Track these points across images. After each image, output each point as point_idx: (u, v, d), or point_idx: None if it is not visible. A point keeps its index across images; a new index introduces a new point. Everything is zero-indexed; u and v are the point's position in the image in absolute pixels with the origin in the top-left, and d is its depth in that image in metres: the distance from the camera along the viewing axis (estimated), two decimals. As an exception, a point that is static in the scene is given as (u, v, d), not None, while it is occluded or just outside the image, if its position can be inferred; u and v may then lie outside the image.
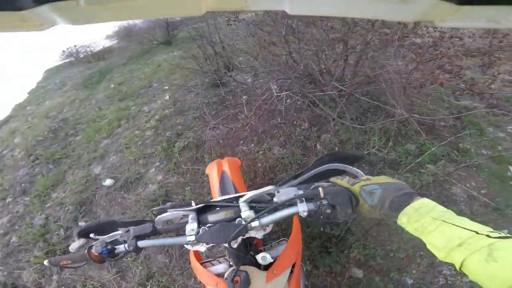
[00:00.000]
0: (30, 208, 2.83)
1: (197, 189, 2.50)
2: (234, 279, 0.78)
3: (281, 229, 1.99)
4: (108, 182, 2.79)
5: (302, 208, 0.69)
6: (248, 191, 0.91)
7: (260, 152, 2.68)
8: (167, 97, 4.05)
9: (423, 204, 0.55)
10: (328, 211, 0.67)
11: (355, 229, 1.89)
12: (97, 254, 0.76)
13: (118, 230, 0.83)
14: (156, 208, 0.89)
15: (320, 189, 0.68)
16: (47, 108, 5.22)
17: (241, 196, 0.79)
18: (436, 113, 2.58)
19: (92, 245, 0.78)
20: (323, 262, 1.77)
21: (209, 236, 0.73)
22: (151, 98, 4.25)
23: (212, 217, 0.79)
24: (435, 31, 2.11)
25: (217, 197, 1.21)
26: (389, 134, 2.42)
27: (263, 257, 0.84)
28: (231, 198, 0.82)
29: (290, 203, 0.72)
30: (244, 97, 3.53)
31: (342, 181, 0.70)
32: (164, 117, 3.52)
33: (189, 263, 1.97)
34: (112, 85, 5.46)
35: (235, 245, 0.78)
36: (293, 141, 2.67)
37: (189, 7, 0.24)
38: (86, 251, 0.77)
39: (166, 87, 4.52)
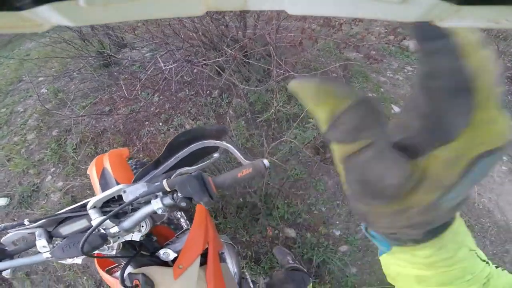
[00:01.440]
0: None
1: (108, 185, 2.18)
2: (134, 283, 0.69)
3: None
4: (1, 201, 2.22)
5: (157, 206, 0.60)
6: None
7: (171, 129, 2.46)
8: (44, 90, 3.28)
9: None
10: (183, 204, 0.58)
11: (271, 190, 1.87)
12: None
13: None
14: None
15: (164, 181, 0.59)
16: None
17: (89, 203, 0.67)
18: (327, 65, 2.74)
19: None
20: (256, 229, 1.74)
21: (61, 251, 0.63)
22: (24, 94, 3.39)
23: (64, 230, 0.68)
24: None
25: None
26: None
27: (165, 253, 0.77)
28: (79, 206, 0.69)
29: (146, 200, 0.63)
30: (141, 74, 3.11)
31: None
32: (45, 114, 2.86)
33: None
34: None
35: (112, 252, 0.66)
36: (205, 111, 2.50)
37: (189, 7, 0.21)
38: None
39: (41, 78, 3.66)
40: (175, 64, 2.06)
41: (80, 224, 0.68)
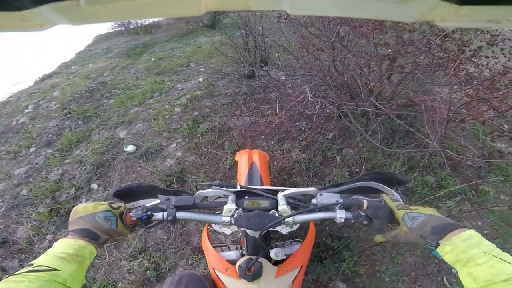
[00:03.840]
0: (50, 161, 2.76)
1: (212, 173, 2.39)
2: (250, 267, 0.77)
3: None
4: (130, 148, 2.72)
5: (340, 215, 0.68)
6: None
7: (279, 151, 2.54)
8: (201, 79, 3.93)
9: (471, 236, 0.53)
10: (365, 222, 0.66)
11: (352, 246, 1.80)
12: (135, 218, 0.68)
13: (156, 197, 0.79)
14: (202, 183, 0.82)
15: (365, 201, 0.67)
16: (89, 70, 5.27)
17: (281, 190, 0.78)
18: (467, 151, 2.33)
19: (132, 209, 0.71)
20: (314, 270, 1.68)
21: (244, 221, 0.70)
22: (186, 77, 4.16)
23: (248, 203, 0.76)
24: (496, 64, 1.83)
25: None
26: (413, 163, 2.22)
27: (276, 253, 0.83)
28: (270, 189, 0.80)
29: (328, 207, 0.71)
30: (273, 93, 3.36)
31: (392, 203, 0.69)
32: (195, 98, 3.41)
33: (186, 243, 1.91)
34: (152, 59, 5.43)
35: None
36: (314, 148, 2.49)
37: (188, 7, 0.22)
38: (124, 213, 0.70)
39: (202, 69, 4.41)
40: (323, 100, 2.10)
41: (263, 204, 0.75)
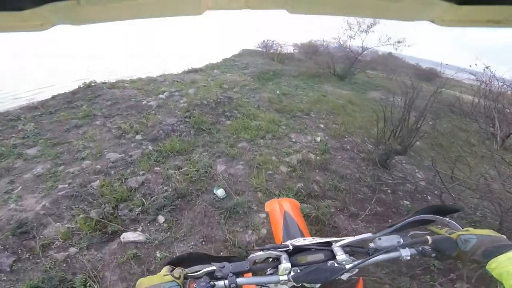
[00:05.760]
0: (142, 161, 2.51)
1: None
2: None
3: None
4: (220, 192, 2.22)
5: (405, 253, 0.62)
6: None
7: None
8: (318, 139, 3.24)
9: None
10: (433, 255, 0.60)
11: None
12: None
13: (210, 264, 0.66)
14: (256, 248, 0.74)
15: (428, 237, 0.61)
16: (225, 79, 5.37)
17: (334, 242, 0.68)
18: None
19: (193, 280, 0.62)
20: None
21: (304, 277, 0.63)
22: (303, 128, 3.55)
23: (301, 259, 0.67)
24: None
25: (281, 236, 1.09)
26: None
27: None
28: (323, 242, 0.69)
29: (390, 248, 0.63)
30: (403, 201, 2.37)
31: (441, 230, 0.65)
32: (306, 162, 2.70)
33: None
34: (277, 91, 5.14)
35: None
36: None
37: (188, 7, 0.22)
38: (187, 285, 0.60)
39: (322, 126, 3.74)
40: None
41: (317, 256, 0.67)
